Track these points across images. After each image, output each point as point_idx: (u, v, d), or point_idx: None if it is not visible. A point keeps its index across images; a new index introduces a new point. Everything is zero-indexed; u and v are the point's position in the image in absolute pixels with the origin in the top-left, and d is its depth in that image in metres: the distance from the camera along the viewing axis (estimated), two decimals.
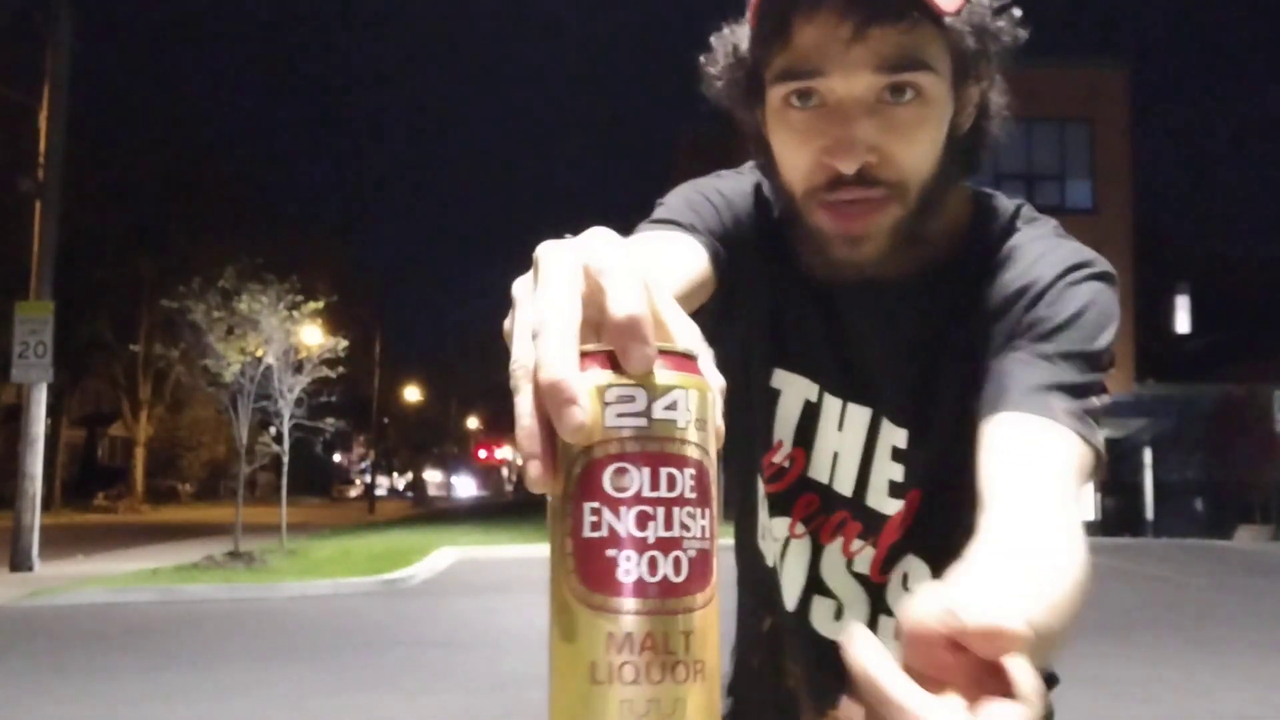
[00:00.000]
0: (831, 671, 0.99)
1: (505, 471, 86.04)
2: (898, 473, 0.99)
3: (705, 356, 0.44)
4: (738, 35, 0.93)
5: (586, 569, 0.41)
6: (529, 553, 14.53)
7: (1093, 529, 26.69)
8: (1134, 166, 23.44)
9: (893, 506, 1.00)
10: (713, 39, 0.96)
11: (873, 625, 1.00)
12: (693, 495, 0.41)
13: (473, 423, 71.85)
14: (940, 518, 0.97)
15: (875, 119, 0.84)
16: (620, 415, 0.41)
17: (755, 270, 1.01)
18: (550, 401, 0.40)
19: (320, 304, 14.23)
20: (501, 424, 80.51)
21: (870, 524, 1.01)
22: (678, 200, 1.01)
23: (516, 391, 0.42)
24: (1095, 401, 0.85)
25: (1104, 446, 0.83)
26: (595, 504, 0.40)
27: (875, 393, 1.00)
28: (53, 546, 13.43)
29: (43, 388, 12.54)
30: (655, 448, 0.41)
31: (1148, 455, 26.99)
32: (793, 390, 1.03)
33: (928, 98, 0.85)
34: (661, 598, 0.40)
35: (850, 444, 1.01)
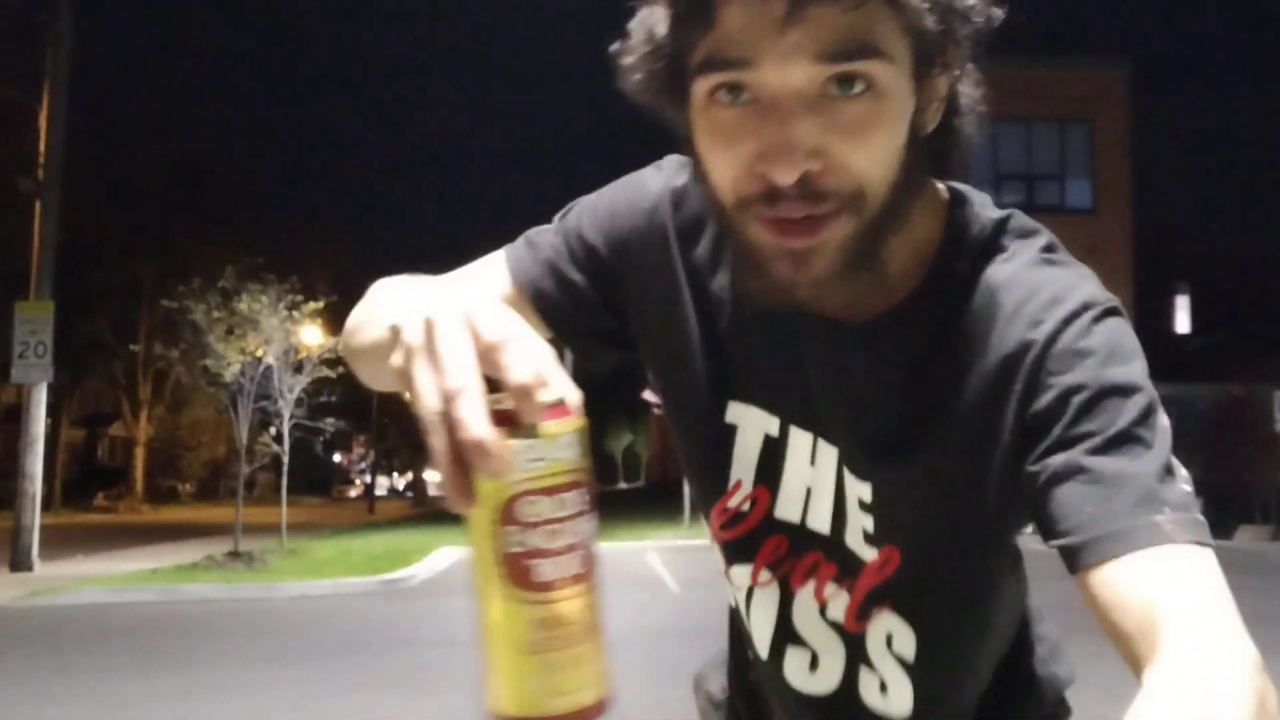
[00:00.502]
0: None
1: None
2: (868, 523, 0.86)
3: (573, 395, 0.56)
4: (655, 16, 0.75)
5: (513, 575, 0.54)
6: None
7: None
8: (1134, 166, 23.44)
9: (869, 554, 0.87)
10: (631, 22, 0.77)
11: (851, 678, 0.91)
12: (582, 507, 0.56)
13: None
14: (925, 581, 0.86)
15: (818, 117, 0.69)
16: (527, 461, 0.53)
17: (669, 292, 0.90)
18: (474, 455, 0.51)
19: (320, 304, 14.23)
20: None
21: (847, 565, 0.89)
22: (538, 248, 0.93)
23: (432, 435, 0.53)
24: (1177, 468, 0.72)
25: (1206, 528, 0.70)
26: (515, 528, 0.54)
27: (837, 434, 0.86)
28: (53, 546, 13.42)
29: (43, 388, 12.54)
30: (552, 481, 0.54)
31: None
32: (750, 424, 0.89)
33: (881, 90, 0.70)
34: (571, 585, 0.55)
35: (825, 481, 0.88)
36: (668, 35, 0.73)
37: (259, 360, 13.43)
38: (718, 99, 0.71)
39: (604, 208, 0.94)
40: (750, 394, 0.89)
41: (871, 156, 0.71)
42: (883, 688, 0.90)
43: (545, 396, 0.54)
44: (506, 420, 0.53)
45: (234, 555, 12.52)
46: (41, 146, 13.17)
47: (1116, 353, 0.73)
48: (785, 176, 0.70)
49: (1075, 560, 0.68)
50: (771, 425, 0.89)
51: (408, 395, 0.56)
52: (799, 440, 0.88)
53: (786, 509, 0.90)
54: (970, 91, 0.79)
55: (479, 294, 0.59)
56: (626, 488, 61.79)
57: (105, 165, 28.81)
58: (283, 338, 13.61)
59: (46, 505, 14.99)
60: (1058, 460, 0.71)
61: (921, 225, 0.81)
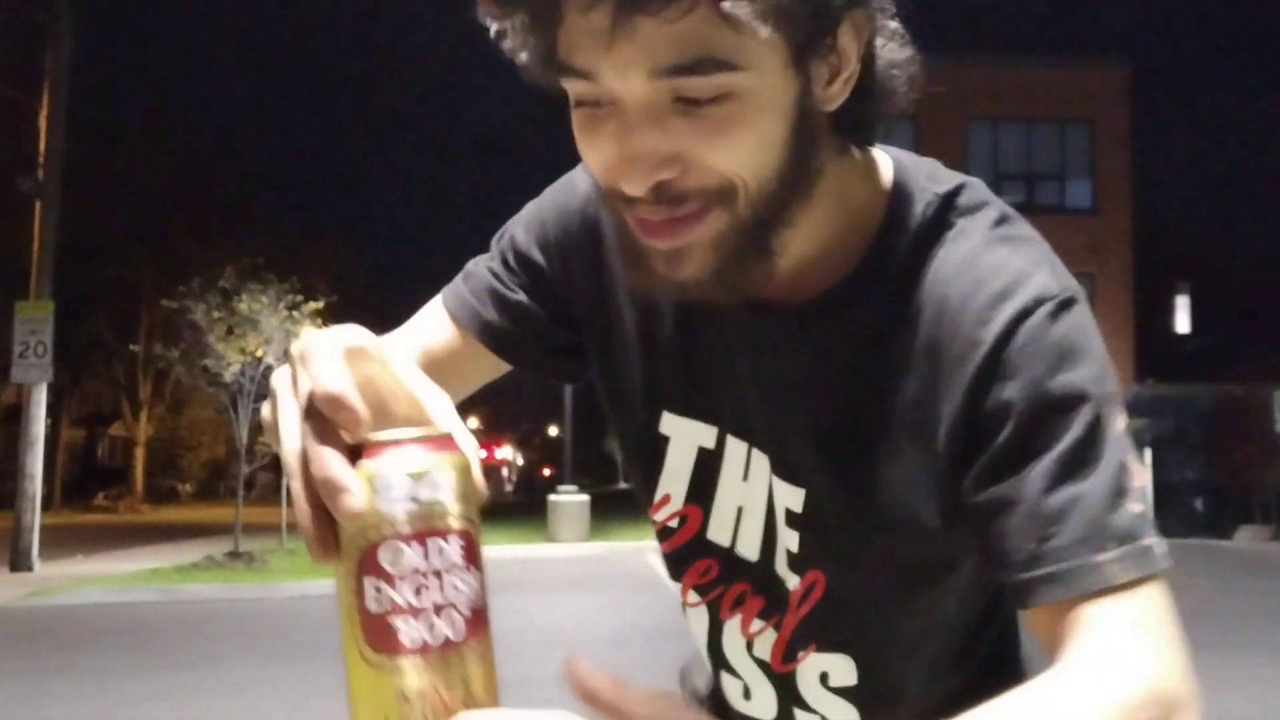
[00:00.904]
0: None
1: (505, 471, 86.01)
2: (793, 542, 0.80)
3: (459, 429, 0.49)
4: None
5: (373, 636, 0.47)
6: (529, 553, 14.51)
7: None
8: (1134, 166, 23.46)
9: (792, 581, 0.81)
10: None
11: (787, 713, 0.87)
12: (460, 560, 0.46)
13: (472, 423, 71.95)
14: (853, 607, 0.80)
15: (669, 126, 0.63)
16: (389, 500, 0.45)
17: (602, 294, 0.85)
18: (325, 492, 0.46)
19: (320, 304, 14.24)
20: (501, 424, 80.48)
21: (774, 599, 0.83)
22: (475, 277, 0.90)
23: (292, 478, 0.49)
24: (1130, 480, 0.66)
25: (1159, 547, 0.67)
26: (376, 579, 0.46)
27: (766, 438, 0.80)
28: (53, 546, 13.43)
29: (43, 388, 12.55)
30: (423, 525, 0.45)
31: (1148, 455, 26.99)
32: (684, 437, 0.83)
33: (741, 93, 0.62)
34: (442, 653, 0.46)
35: (755, 498, 0.82)
36: (530, 32, 0.66)
37: (259, 360, 13.43)
38: (581, 98, 0.66)
39: (535, 215, 0.89)
40: (686, 403, 0.83)
41: (738, 154, 0.64)
42: None
43: (422, 428, 0.48)
44: (370, 453, 0.47)
45: (234, 555, 12.53)
46: (41, 146, 13.17)
47: (1068, 355, 0.67)
48: (635, 189, 0.65)
49: (1019, 599, 0.66)
50: (707, 437, 0.83)
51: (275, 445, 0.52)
52: (734, 452, 0.82)
53: (718, 531, 0.84)
54: (894, 47, 0.71)
55: (349, 332, 0.53)
56: (626, 488, 61.82)
57: (105, 165, 28.82)
58: (283, 338, 13.60)
59: (46, 505, 14.99)
60: (1000, 487, 0.67)
61: (861, 197, 0.75)
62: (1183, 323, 28.58)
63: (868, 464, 0.75)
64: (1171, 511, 26.28)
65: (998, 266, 0.71)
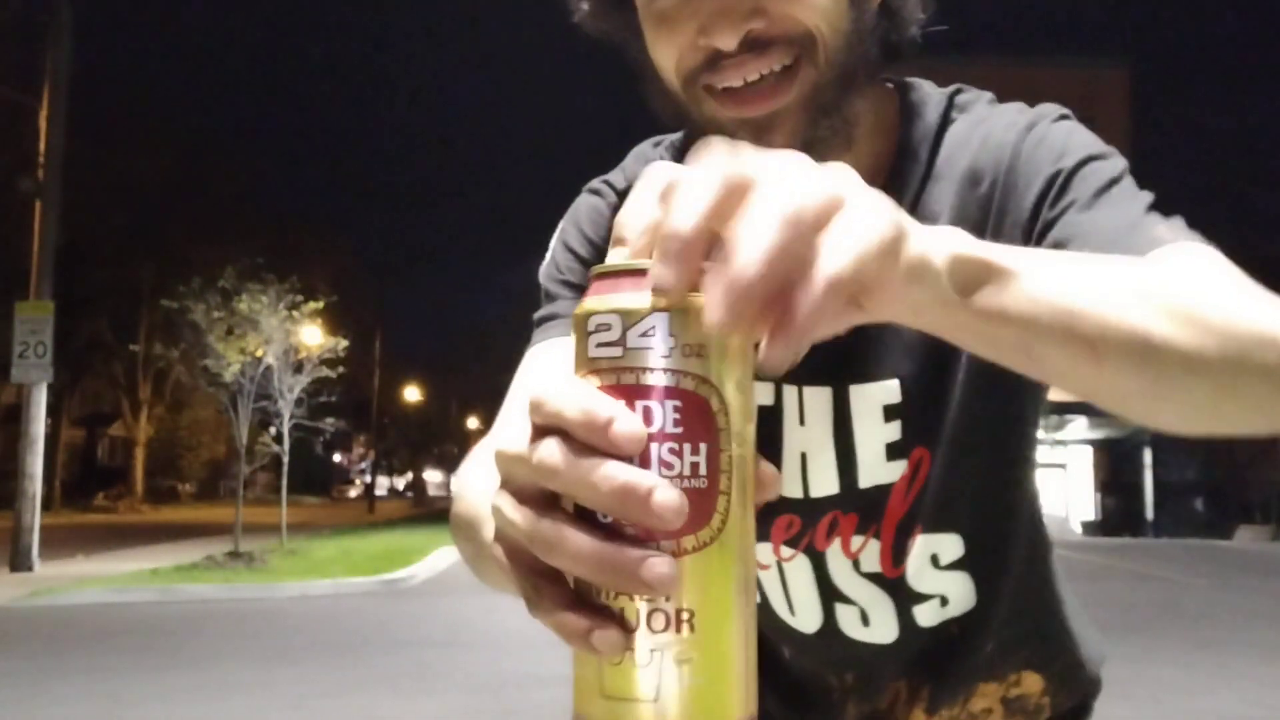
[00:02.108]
0: (885, 670, 0.93)
1: None
2: (893, 432, 0.84)
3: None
4: None
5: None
6: None
7: (1092, 529, 26.72)
8: (1134, 167, 23.44)
9: (893, 472, 0.85)
10: None
11: (907, 621, 0.90)
12: (676, 430, 0.38)
13: (473, 423, 71.87)
14: (954, 476, 0.84)
15: None
16: (599, 345, 0.39)
17: None
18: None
19: (320, 304, 14.24)
20: None
21: (867, 510, 0.87)
22: (548, 275, 0.91)
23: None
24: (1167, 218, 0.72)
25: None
26: None
27: (835, 359, 0.82)
28: (53, 546, 13.42)
29: (43, 388, 12.54)
30: (630, 379, 0.38)
31: (1148, 455, 26.99)
32: None
33: None
34: (635, 540, 0.38)
35: (819, 435, 0.86)
36: None
37: (259, 360, 13.43)
38: None
39: (572, 231, 0.92)
40: None
41: (815, 5, 0.71)
42: (943, 602, 0.90)
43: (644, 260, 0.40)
44: (632, 285, 0.40)
45: (234, 555, 12.52)
46: (41, 146, 13.17)
47: (1074, 141, 0.77)
48: (727, 41, 0.70)
49: None
50: (765, 394, 0.86)
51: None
52: (789, 401, 0.86)
53: (788, 487, 0.88)
54: None
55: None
56: None
57: (105, 165, 28.81)
58: (283, 338, 13.62)
59: (46, 505, 15.00)
60: (1051, 235, 0.73)
61: (878, 107, 0.83)
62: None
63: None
64: (1171, 511, 26.28)
65: (996, 114, 0.83)
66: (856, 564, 0.89)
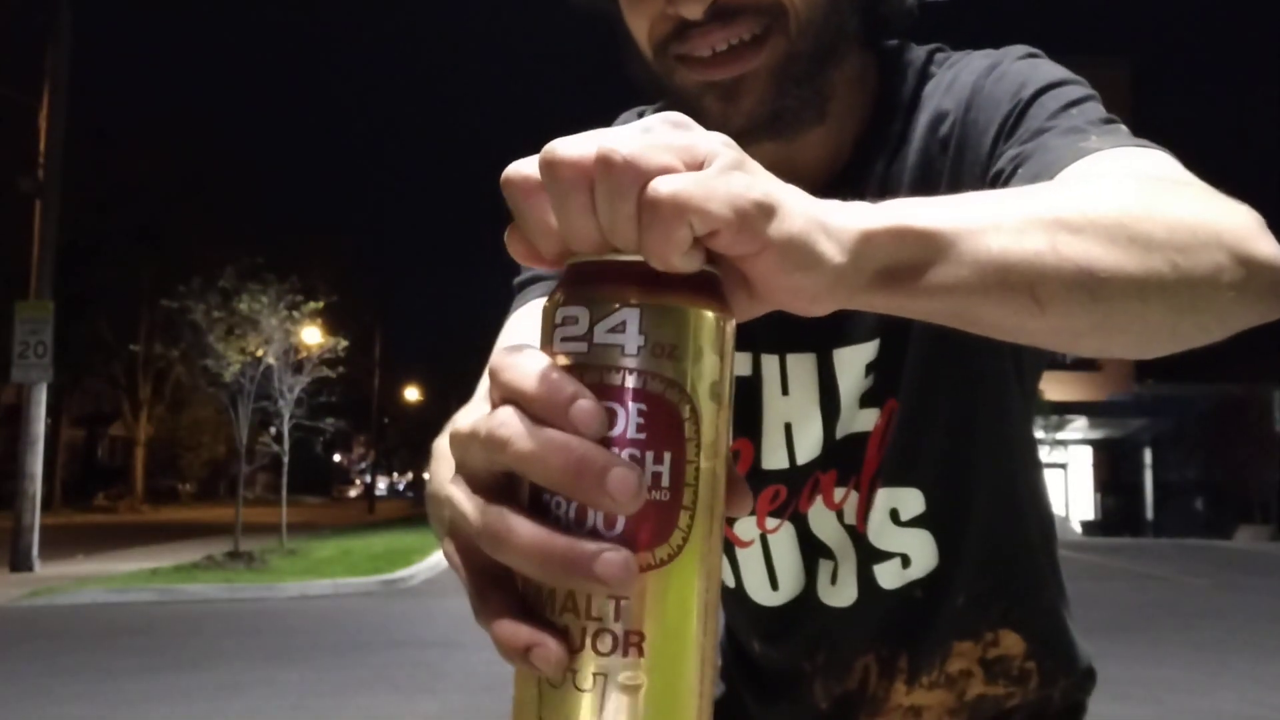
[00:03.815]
0: (847, 642, 0.91)
1: None
2: (869, 384, 0.84)
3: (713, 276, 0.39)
4: None
5: None
6: None
7: (1092, 529, 26.72)
8: None
9: (868, 420, 0.85)
10: None
11: (866, 579, 0.89)
12: (639, 435, 0.35)
13: None
14: (922, 430, 0.84)
15: None
16: (564, 340, 0.37)
17: None
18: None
19: (320, 304, 14.24)
20: None
21: (846, 462, 0.86)
22: (531, 281, 0.91)
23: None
24: (1116, 122, 0.71)
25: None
26: None
27: (817, 325, 0.90)
28: (53, 546, 13.42)
29: (43, 388, 12.54)
30: (594, 378, 0.36)
31: (1148, 455, 26.99)
32: None
33: None
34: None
35: (803, 403, 0.85)
36: None
37: (259, 360, 13.43)
38: None
39: None
40: None
41: None
42: (904, 562, 0.88)
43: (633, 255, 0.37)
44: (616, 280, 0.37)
45: (234, 555, 12.52)
46: (41, 146, 13.17)
47: (1034, 73, 0.76)
48: (693, 10, 0.70)
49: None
50: (743, 365, 0.85)
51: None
52: (770, 371, 0.85)
53: (773, 459, 0.87)
54: None
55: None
56: None
57: (105, 165, 28.81)
58: (283, 338, 13.62)
59: (46, 505, 15.00)
60: (994, 168, 0.73)
61: (863, 88, 0.83)
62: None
63: None
64: (1171, 511, 26.27)
65: (971, 58, 0.82)
66: (840, 515, 0.88)
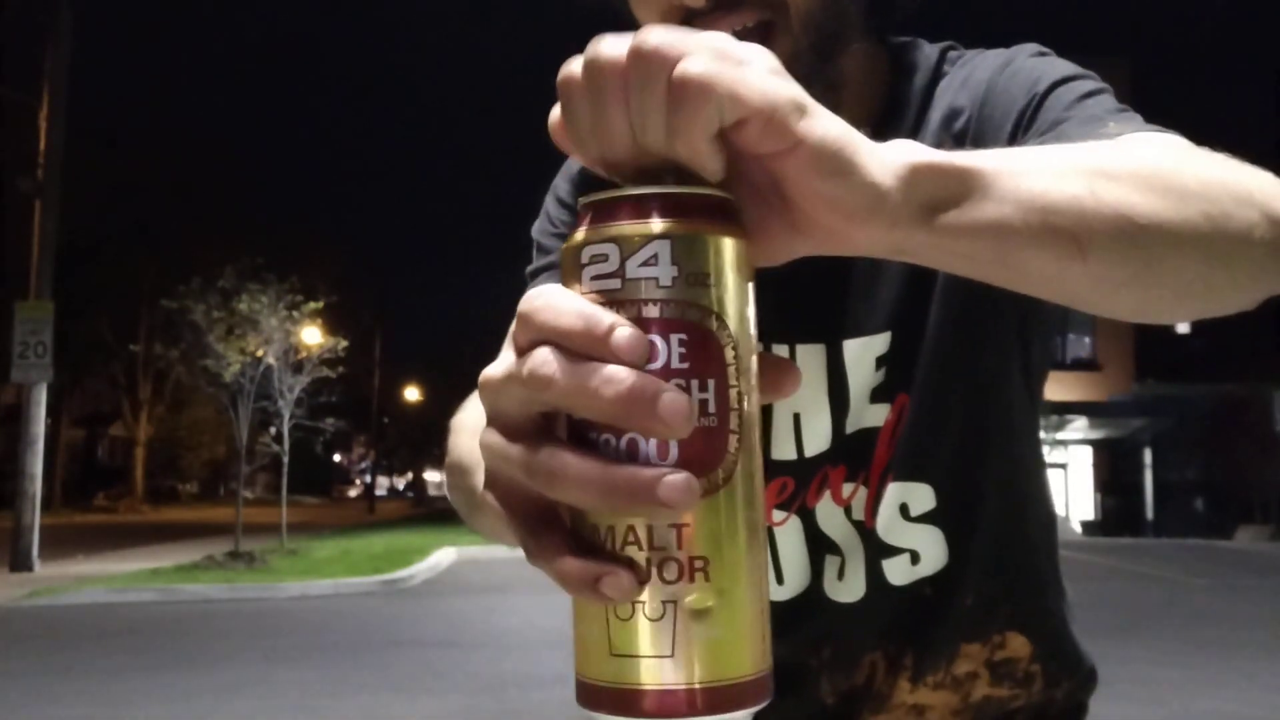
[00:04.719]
0: (855, 639, 0.91)
1: None
2: (880, 378, 0.85)
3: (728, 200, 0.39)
4: None
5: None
6: None
7: (1092, 529, 26.72)
8: None
9: (878, 415, 0.85)
10: None
11: (875, 575, 0.88)
12: (682, 365, 0.36)
13: None
14: (934, 425, 0.84)
15: None
16: (594, 278, 0.37)
17: None
18: None
19: (320, 304, 14.24)
20: None
21: (855, 457, 0.86)
22: (541, 230, 0.94)
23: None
24: (1128, 109, 0.73)
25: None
26: None
27: (827, 315, 0.84)
28: (53, 546, 13.42)
29: (43, 388, 12.54)
30: (631, 313, 0.36)
31: (1148, 455, 26.98)
32: None
33: None
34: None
35: (812, 393, 0.85)
36: None
37: (259, 360, 13.43)
38: None
39: (564, 185, 0.94)
40: None
41: None
42: (914, 559, 0.88)
43: (660, 187, 0.37)
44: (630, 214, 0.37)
45: (234, 555, 12.52)
46: (41, 146, 13.17)
47: (1048, 69, 0.77)
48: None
49: None
50: None
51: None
52: None
53: (781, 449, 0.87)
54: None
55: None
56: None
57: (105, 165, 28.81)
58: (283, 338, 13.63)
59: (46, 505, 14.99)
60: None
61: (869, 66, 0.83)
62: (1183, 323, 28.52)
63: (947, 286, 0.81)
64: (1171, 511, 26.27)
65: (983, 58, 0.84)
66: (848, 510, 0.88)
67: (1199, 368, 25.38)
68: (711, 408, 0.36)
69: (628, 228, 0.36)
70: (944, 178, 0.42)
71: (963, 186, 0.43)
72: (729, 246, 0.37)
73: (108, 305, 32.70)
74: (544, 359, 0.35)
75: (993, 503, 0.89)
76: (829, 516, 0.89)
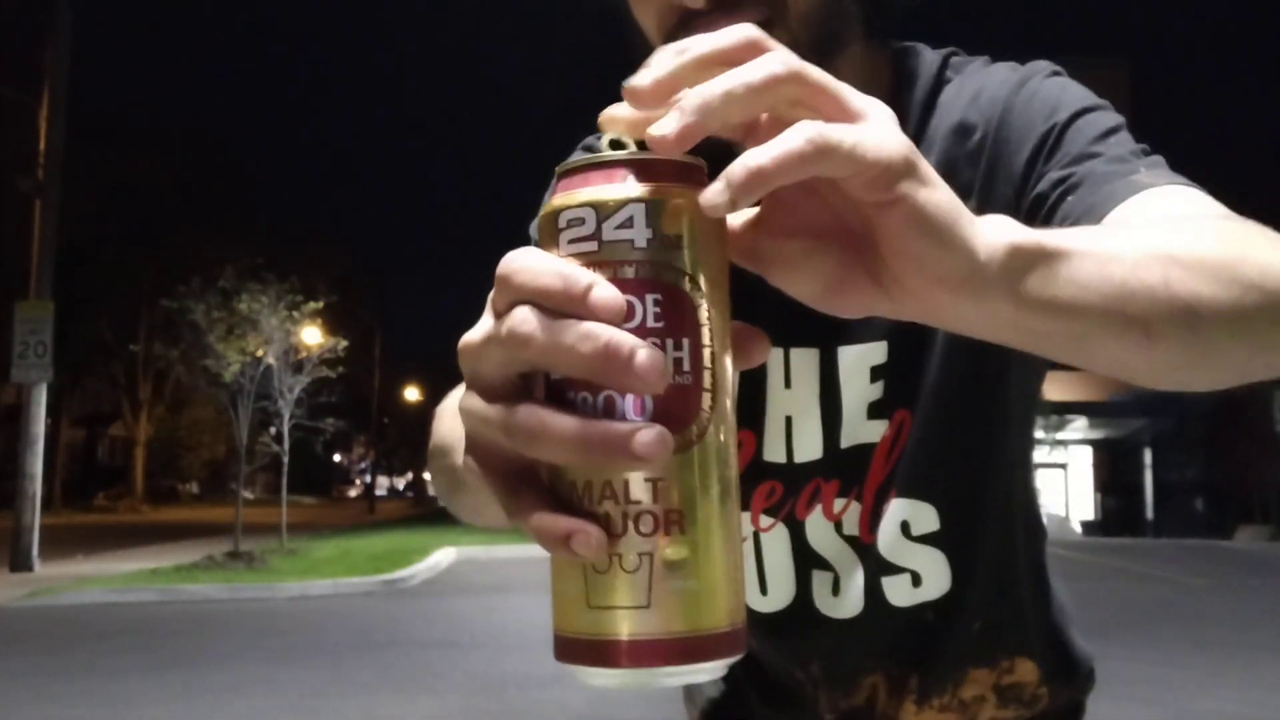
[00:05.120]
0: (851, 657, 0.90)
1: None
2: (877, 392, 0.83)
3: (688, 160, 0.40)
4: None
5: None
6: (529, 552, 14.51)
7: (1092, 529, 26.72)
8: None
9: (875, 431, 0.84)
10: None
11: (874, 592, 0.87)
12: (658, 324, 0.37)
13: None
14: (935, 441, 0.83)
15: None
16: (572, 241, 0.38)
17: None
18: None
19: (320, 304, 14.24)
20: None
21: (850, 472, 0.85)
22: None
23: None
24: (1151, 154, 0.72)
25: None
26: None
27: (824, 320, 0.89)
28: (53, 546, 13.42)
29: (43, 388, 12.54)
30: (608, 274, 0.37)
31: (1148, 455, 26.99)
32: None
33: None
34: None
35: (804, 397, 0.85)
36: None
37: (259, 360, 13.43)
38: None
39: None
40: None
41: None
42: (915, 581, 0.87)
43: (632, 151, 0.39)
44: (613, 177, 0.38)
45: (234, 555, 12.53)
46: (41, 146, 13.17)
47: (1066, 95, 0.77)
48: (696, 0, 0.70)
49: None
50: None
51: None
52: (773, 363, 0.84)
53: (773, 451, 0.86)
54: None
55: None
56: None
57: (105, 165, 28.81)
58: (283, 338, 13.62)
59: (46, 505, 14.99)
60: (1036, 192, 0.74)
61: (870, 69, 0.82)
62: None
63: None
64: (1171, 511, 26.27)
65: (993, 72, 0.83)
66: (839, 526, 0.87)
67: None
68: (685, 366, 0.37)
69: (604, 192, 0.37)
70: (1038, 258, 0.43)
71: (1052, 268, 0.44)
72: (694, 208, 0.38)
73: (108, 305, 32.71)
74: (523, 318, 0.36)
75: (994, 523, 0.88)
76: (819, 531, 0.88)
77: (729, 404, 0.39)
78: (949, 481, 0.85)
